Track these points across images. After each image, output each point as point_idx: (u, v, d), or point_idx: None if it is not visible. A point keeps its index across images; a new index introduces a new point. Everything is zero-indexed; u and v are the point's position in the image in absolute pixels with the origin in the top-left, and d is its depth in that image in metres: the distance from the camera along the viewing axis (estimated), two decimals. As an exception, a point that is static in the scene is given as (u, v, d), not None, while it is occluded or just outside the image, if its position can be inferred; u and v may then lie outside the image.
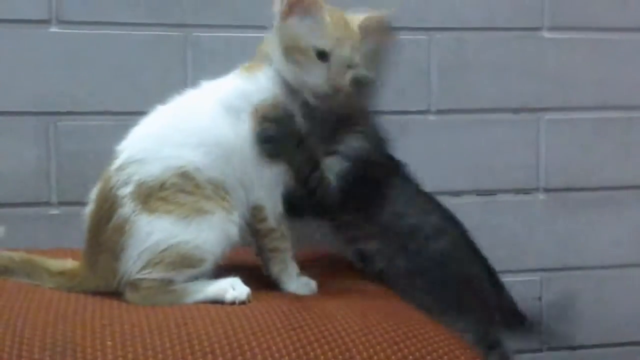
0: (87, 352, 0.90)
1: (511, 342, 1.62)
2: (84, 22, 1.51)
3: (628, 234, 1.72)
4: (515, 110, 1.67)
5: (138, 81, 1.50)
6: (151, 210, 1.10)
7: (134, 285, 1.10)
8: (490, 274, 1.45)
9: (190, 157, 1.13)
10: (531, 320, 1.49)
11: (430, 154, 1.64)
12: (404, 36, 1.62)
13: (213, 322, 0.98)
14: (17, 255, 1.19)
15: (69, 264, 1.18)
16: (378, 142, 1.36)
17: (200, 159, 1.14)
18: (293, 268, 1.22)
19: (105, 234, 1.12)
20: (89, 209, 1.16)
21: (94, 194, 1.16)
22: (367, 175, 1.32)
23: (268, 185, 1.20)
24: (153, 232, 1.09)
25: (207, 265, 1.12)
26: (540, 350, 1.69)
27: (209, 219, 1.11)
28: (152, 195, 1.11)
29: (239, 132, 1.17)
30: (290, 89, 1.21)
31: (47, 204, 1.50)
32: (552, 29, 1.68)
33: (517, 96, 1.67)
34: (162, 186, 1.11)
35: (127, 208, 1.10)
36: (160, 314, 1.01)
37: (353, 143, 1.32)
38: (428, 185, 1.63)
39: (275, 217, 1.20)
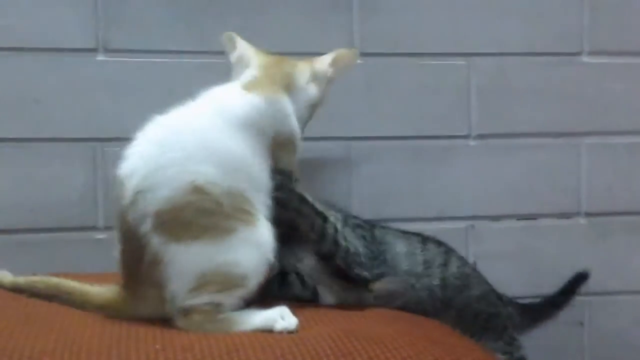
0: (142, 377, 0.91)
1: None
2: (130, 50, 1.55)
3: (670, 258, 1.70)
4: (556, 135, 1.67)
5: (183, 108, 1.52)
6: (178, 239, 1.08)
7: (185, 311, 1.09)
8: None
9: (198, 169, 1.09)
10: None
11: (471, 179, 1.65)
12: (443, 61, 1.64)
13: (263, 348, 0.98)
14: (61, 285, 1.19)
15: (110, 292, 1.15)
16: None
17: (211, 170, 1.10)
18: None
19: (141, 269, 1.10)
20: (118, 249, 1.13)
21: (116, 233, 1.14)
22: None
23: None
24: (190, 260, 1.08)
25: (253, 282, 1.11)
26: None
27: (235, 237, 1.09)
28: (173, 220, 1.08)
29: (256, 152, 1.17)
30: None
31: (94, 228, 1.53)
32: (592, 53, 1.68)
33: (558, 121, 1.68)
34: (179, 209, 1.08)
35: (155, 242, 1.08)
36: (211, 339, 1.01)
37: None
38: (468, 210, 1.65)
39: None
